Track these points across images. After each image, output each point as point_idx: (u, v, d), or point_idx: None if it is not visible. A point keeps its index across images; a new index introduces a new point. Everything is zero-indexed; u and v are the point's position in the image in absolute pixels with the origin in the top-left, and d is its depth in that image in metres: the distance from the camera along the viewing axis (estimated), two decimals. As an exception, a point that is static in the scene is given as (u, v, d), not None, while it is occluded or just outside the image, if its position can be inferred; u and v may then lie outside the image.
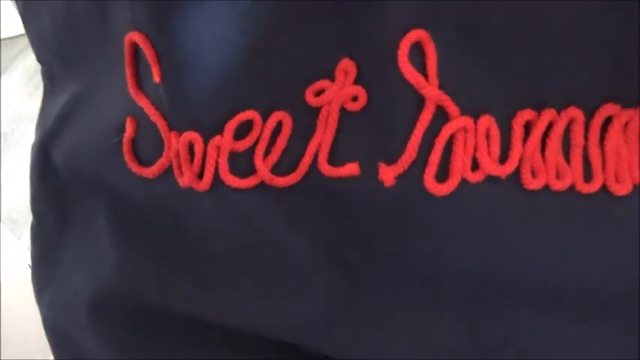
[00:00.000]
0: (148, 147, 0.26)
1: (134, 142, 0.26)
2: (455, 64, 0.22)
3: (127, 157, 0.26)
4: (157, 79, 0.24)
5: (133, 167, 0.26)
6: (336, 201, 0.23)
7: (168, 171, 0.25)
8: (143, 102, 0.25)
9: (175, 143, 0.24)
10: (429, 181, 0.22)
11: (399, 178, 0.22)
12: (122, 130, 0.26)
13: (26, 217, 1.15)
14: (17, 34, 1.64)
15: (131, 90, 0.25)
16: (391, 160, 0.22)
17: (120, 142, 0.26)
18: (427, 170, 0.22)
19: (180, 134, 0.24)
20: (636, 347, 0.24)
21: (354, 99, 0.22)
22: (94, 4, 0.26)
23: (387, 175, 0.22)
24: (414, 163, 0.22)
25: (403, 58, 0.21)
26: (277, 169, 0.23)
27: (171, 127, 0.25)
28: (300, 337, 0.26)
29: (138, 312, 0.28)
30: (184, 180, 0.25)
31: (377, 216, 0.23)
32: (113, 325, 0.29)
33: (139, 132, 0.26)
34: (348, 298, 0.24)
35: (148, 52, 0.24)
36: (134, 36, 0.24)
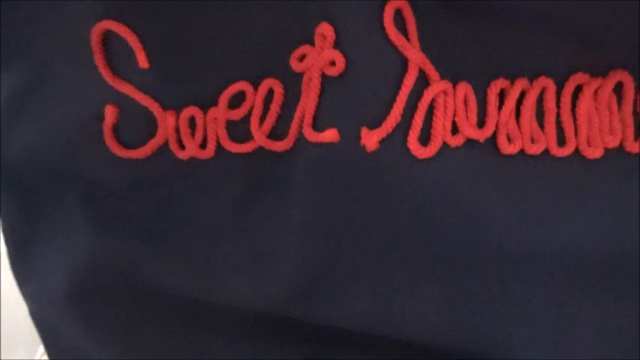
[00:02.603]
0: (133, 131, 0.26)
1: (115, 129, 0.26)
2: (433, 32, 0.23)
3: (110, 144, 0.26)
4: (144, 64, 0.25)
5: (119, 152, 0.26)
6: (320, 167, 0.24)
7: (160, 149, 0.26)
8: (126, 88, 0.25)
9: (172, 121, 0.25)
10: (413, 143, 0.23)
11: (382, 142, 0.23)
12: (99, 118, 0.26)
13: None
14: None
15: (108, 79, 0.25)
16: (373, 125, 0.23)
17: (98, 130, 0.26)
18: (411, 133, 0.23)
19: (178, 111, 0.25)
20: (627, 314, 0.25)
21: (332, 64, 0.23)
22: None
23: (370, 139, 0.23)
24: (397, 127, 0.23)
25: (389, 21, 0.22)
26: (274, 135, 0.25)
27: (165, 107, 0.25)
28: (281, 305, 0.27)
29: (122, 295, 0.29)
30: (186, 153, 0.26)
31: (359, 182, 0.24)
32: (97, 310, 0.30)
33: (121, 118, 0.26)
34: (330, 262, 0.26)
35: (131, 40, 0.24)
36: (109, 25, 0.24)
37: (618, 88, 0.23)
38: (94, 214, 0.28)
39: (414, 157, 0.23)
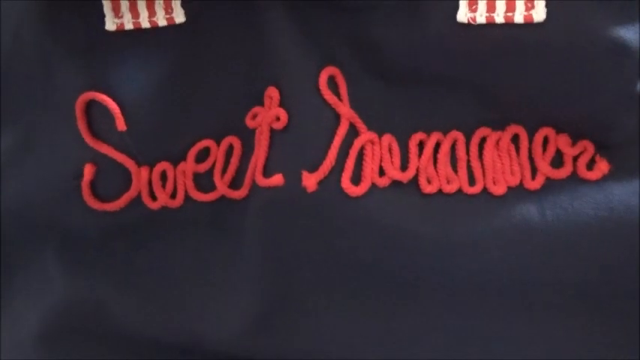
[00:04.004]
0: (109, 185, 0.30)
1: (92, 184, 0.30)
2: (361, 93, 0.28)
3: (87, 198, 0.30)
4: (122, 127, 0.29)
5: (94, 205, 0.30)
6: (269, 207, 0.28)
7: (133, 201, 0.30)
8: (105, 149, 0.30)
9: (146, 175, 0.30)
10: (346, 184, 0.28)
11: (320, 183, 0.27)
12: (78, 175, 0.30)
13: None
14: None
15: (88, 141, 0.30)
16: (312, 169, 0.28)
17: (77, 186, 0.30)
18: (344, 175, 0.28)
19: (151, 167, 0.30)
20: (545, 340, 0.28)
21: (277, 119, 0.28)
22: (40, 71, 0.30)
23: (310, 181, 0.27)
24: (332, 170, 0.28)
25: (323, 84, 0.28)
26: (233, 184, 0.29)
27: (140, 164, 0.30)
28: (236, 340, 0.30)
29: (91, 339, 0.32)
30: (157, 203, 0.30)
31: (302, 218, 0.28)
32: (66, 354, 0.32)
33: (99, 174, 0.30)
34: (281, 297, 0.29)
35: (112, 107, 0.29)
36: (92, 95, 0.29)
37: (515, 139, 0.28)
38: (69, 262, 0.32)
39: (347, 195, 0.27)
